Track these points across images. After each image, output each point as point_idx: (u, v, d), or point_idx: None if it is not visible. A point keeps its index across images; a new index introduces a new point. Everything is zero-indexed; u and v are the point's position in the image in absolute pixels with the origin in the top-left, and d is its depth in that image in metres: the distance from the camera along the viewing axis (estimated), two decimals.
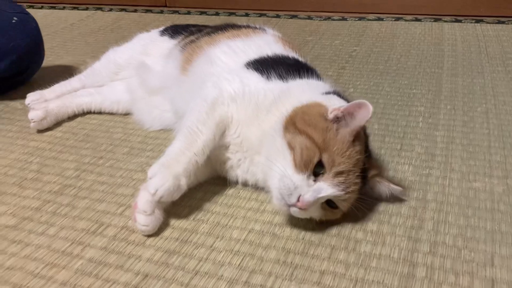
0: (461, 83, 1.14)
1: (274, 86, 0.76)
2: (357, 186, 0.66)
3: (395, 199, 0.74)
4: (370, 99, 1.08)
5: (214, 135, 0.74)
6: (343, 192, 0.64)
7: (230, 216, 0.73)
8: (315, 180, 0.65)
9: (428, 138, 0.92)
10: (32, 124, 0.97)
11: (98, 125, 1.02)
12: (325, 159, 0.64)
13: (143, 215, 0.69)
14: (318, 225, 0.70)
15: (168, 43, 1.04)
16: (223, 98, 0.76)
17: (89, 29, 1.69)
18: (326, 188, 0.64)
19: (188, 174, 0.71)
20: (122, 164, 0.87)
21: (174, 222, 0.72)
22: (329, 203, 0.66)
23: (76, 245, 0.68)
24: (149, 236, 0.69)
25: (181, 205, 0.76)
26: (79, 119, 1.04)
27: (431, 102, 1.06)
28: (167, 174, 0.69)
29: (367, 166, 0.69)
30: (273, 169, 0.67)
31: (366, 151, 0.70)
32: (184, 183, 0.70)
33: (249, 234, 0.69)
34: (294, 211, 0.66)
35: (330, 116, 0.67)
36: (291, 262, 0.64)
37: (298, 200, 0.64)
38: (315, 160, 0.64)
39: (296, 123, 0.68)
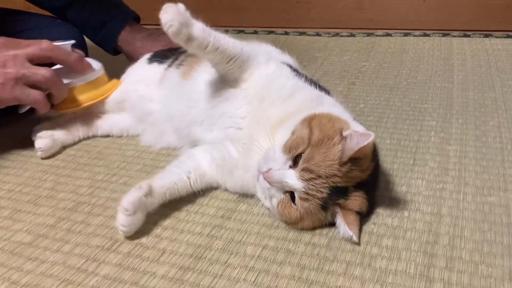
0: (472, 97, 1.14)
1: (306, 86, 0.80)
2: (318, 195, 0.67)
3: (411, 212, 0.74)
4: (381, 114, 1.08)
5: (234, 57, 0.77)
6: (303, 190, 0.66)
7: (243, 232, 0.73)
8: (290, 167, 0.68)
9: (441, 153, 0.91)
10: (39, 153, 0.96)
11: (111, 143, 1.02)
12: (306, 152, 0.68)
13: (124, 215, 0.70)
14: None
15: (157, 69, 1.01)
16: (261, 64, 0.80)
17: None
18: (292, 176, 0.67)
19: (200, 36, 0.73)
20: (135, 181, 0.87)
21: (188, 238, 0.72)
22: (293, 199, 0.69)
23: (91, 262, 0.68)
24: (163, 252, 0.70)
25: (194, 222, 0.76)
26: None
27: (443, 117, 1.06)
28: (186, 17, 0.72)
29: (347, 193, 0.68)
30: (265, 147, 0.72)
31: (361, 186, 0.69)
32: (195, 33, 0.72)
33: (263, 250, 0.69)
34: (260, 180, 0.70)
35: (345, 133, 0.68)
36: (307, 278, 0.64)
37: (267, 172, 0.68)
38: (300, 149, 0.68)
39: (312, 120, 0.71)
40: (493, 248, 0.67)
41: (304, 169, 0.67)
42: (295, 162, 0.69)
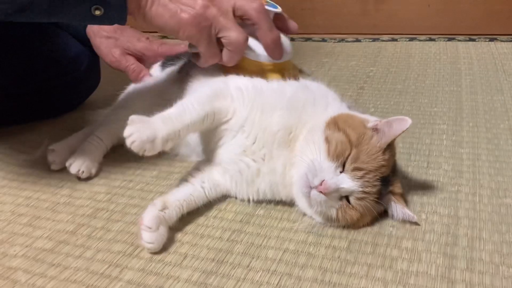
0: (481, 100, 1.15)
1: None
2: (374, 190, 0.69)
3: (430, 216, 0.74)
4: None
5: (204, 119, 0.76)
6: (360, 189, 0.68)
7: (263, 236, 0.74)
8: (341, 172, 0.69)
9: (454, 156, 0.92)
10: (52, 166, 0.94)
11: (124, 149, 1.02)
12: (352, 154, 0.69)
13: (148, 232, 0.70)
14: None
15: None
16: (228, 91, 0.79)
17: None
18: (347, 180, 0.68)
19: (166, 139, 0.71)
20: (152, 187, 0.88)
21: (209, 242, 0.73)
22: (349, 201, 0.70)
23: (114, 267, 0.69)
24: (185, 257, 0.70)
25: (214, 227, 0.76)
26: None
27: (453, 120, 1.07)
28: (146, 126, 0.70)
29: (390, 180, 0.72)
30: (303, 158, 0.72)
31: (393, 170, 0.74)
32: (158, 144, 0.70)
33: (284, 254, 0.70)
34: (314, 194, 0.69)
35: (370, 124, 0.72)
36: (329, 281, 0.64)
37: (320, 184, 0.68)
38: (347, 153, 0.69)
39: (338, 122, 0.73)
40: None
41: (354, 169, 0.68)
42: (343, 166, 0.70)
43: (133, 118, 0.71)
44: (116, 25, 0.78)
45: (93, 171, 0.93)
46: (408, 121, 0.69)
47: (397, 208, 0.72)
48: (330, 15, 1.80)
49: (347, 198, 0.70)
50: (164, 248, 0.72)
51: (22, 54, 1.13)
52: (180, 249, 0.72)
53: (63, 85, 1.18)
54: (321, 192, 0.68)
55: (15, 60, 1.12)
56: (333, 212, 0.70)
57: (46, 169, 0.96)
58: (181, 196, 0.77)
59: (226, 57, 0.81)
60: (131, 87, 1.07)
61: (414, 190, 0.82)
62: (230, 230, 0.76)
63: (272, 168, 0.77)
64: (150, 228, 0.70)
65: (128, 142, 0.70)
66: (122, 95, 1.07)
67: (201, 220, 0.78)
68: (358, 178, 0.68)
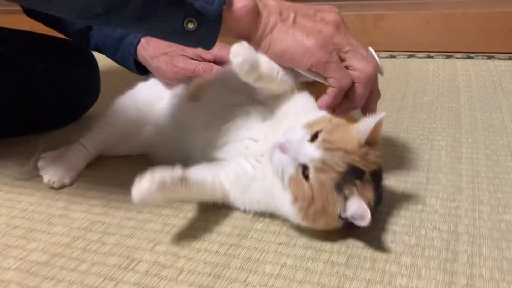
0: (480, 117, 1.16)
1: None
2: (337, 169, 0.67)
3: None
4: (391, 133, 1.09)
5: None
6: (321, 158, 0.67)
7: (261, 251, 0.73)
8: (309, 141, 0.70)
9: (453, 172, 0.92)
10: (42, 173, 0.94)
11: (121, 162, 1.02)
12: (327, 127, 0.70)
13: (146, 185, 0.69)
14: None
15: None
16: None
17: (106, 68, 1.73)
18: (310, 146, 0.68)
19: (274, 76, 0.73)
20: None
21: (206, 257, 0.72)
22: (305, 177, 0.69)
23: (109, 281, 0.68)
24: (181, 271, 0.69)
25: (210, 241, 0.76)
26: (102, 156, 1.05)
27: (452, 136, 1.07)
28: None
29: (363, 176, 0.68)
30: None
31: (376, 176, 0.71)
32: None
33: (282, 269, 0.69)
34: (275, 155, 0.70)
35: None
36: None
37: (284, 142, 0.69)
38: (321, 126, 0.70)
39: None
40: None
41: (325, 140, 0.69)
42: (313, 139, 0.70)
43: (238, 47, 0.69)
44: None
45: (67, 181, 0.93)
46: (380, 115, 0.70)
47: (354, 199, 0.66)
48: None
49: (305, 170, 0.68)
50: (160, 262, 0.71)
51: (20, 70, 1.13)
52: (176, 263, 0.71)
53: (62, 99, 1.18)
54: (282, 151, 0.69)
55: (12, 76, 1.12)
56: (286, 181, 0.70)
57: (42, 181, 0.95)
58: (199, 181, 0.75)
59: (358, 91, 0.74)
60: (120, 98, 1.06)
61: (413, 206, 0.81)
62: (227, 244, 0.75)
63: (265, 174, 0.76)
64: (150, 184, 0.68)
65: (237, 69, 0.70)
66: (111, 107, 1.05)
67: (198, 233, 0.77)
68: (324, 148, 0.68)
